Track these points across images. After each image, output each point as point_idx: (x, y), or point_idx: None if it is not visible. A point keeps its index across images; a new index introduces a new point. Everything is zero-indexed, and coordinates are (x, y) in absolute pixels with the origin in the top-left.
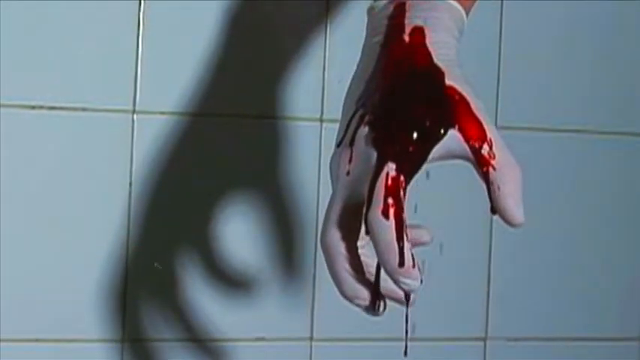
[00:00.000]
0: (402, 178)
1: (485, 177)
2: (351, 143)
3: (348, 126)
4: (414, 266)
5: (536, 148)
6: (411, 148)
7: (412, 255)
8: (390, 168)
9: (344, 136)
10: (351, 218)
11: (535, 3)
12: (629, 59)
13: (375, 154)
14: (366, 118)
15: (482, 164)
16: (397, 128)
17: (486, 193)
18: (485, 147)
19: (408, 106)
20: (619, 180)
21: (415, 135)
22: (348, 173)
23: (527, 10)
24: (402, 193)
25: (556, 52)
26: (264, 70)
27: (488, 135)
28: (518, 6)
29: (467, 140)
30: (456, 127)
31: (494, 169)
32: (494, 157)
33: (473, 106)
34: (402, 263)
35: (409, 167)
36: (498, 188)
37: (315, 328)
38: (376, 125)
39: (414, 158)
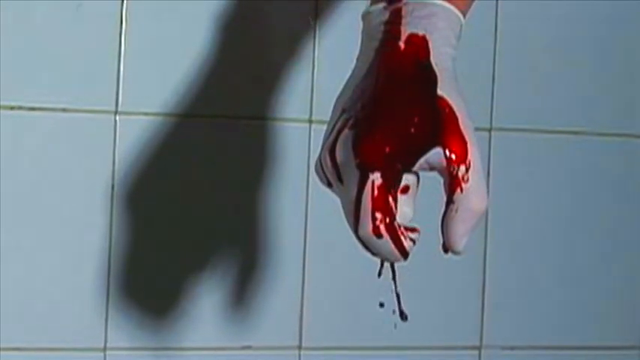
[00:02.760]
0: (388, 185)
1: (450, 196)
2: (333, 146)
3: (332, 129)
4: (413, 245)
5: (532, 150)
6: (395, 155)
7: (410, 239)
8: (375, 177)
9: (328, 138)
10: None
11: (531, 2)
12: (627, 60)
13: (357, 162)
14: (350, 122)
15: (453, 184)
16: (381, 134)
17: (442, 209)
18: (463, 168)
19: (395, 113)
20: (618, 183)
21: (400, 144)
22: (341, 180)
23: (523, 9)
24: (390, 200)
25: (552, 52)
26: (253, 71)
27: (469, 157)
28: (513, 5)
29: (448, 160)
30: (442, 145)
31: (461, 191)
32: (466, 181)
33: (461, 122)
34: (405, 257)
35: (394, 173)
36: (456, 211)
37: (303, 337)
38: (360, 130)
39: (399, 165)
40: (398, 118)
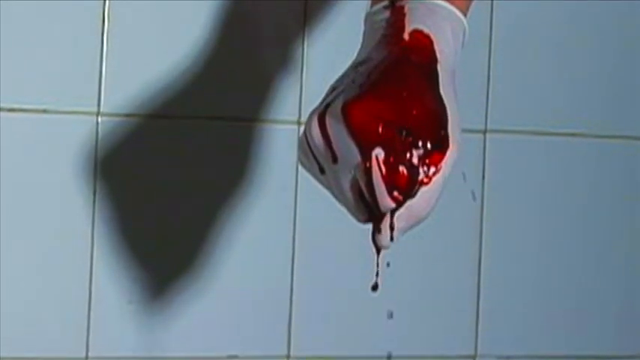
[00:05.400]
0: (392, 157)
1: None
2: (322, 121)
3: (321, 103)
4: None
5: (528, 153)
6: (390, 125)
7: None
8: (378, 153)
9: (314, 111)
10: None
11: (526, 3)
12: (623, 61)
13: (355, 142)
14: (342, 95)
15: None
16: (378, 109)
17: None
18: (432, 170)
19: (391, 96)
20: (615, 185)
21: (394, 127)
22: (335, 160)
23: (519, 10)
24: (401, 168)
25: (548, 54)
26: (241, 72)
27: (443, 163)
28: (508, 6)
29: (424, 159)
30: (427, 142)
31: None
32: (426, 184)
33: (450, 127)
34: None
35: (395, 141)
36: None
37: (292, 346)
38: (355, 100)
39: (396, 132)
40: (395, 105)
